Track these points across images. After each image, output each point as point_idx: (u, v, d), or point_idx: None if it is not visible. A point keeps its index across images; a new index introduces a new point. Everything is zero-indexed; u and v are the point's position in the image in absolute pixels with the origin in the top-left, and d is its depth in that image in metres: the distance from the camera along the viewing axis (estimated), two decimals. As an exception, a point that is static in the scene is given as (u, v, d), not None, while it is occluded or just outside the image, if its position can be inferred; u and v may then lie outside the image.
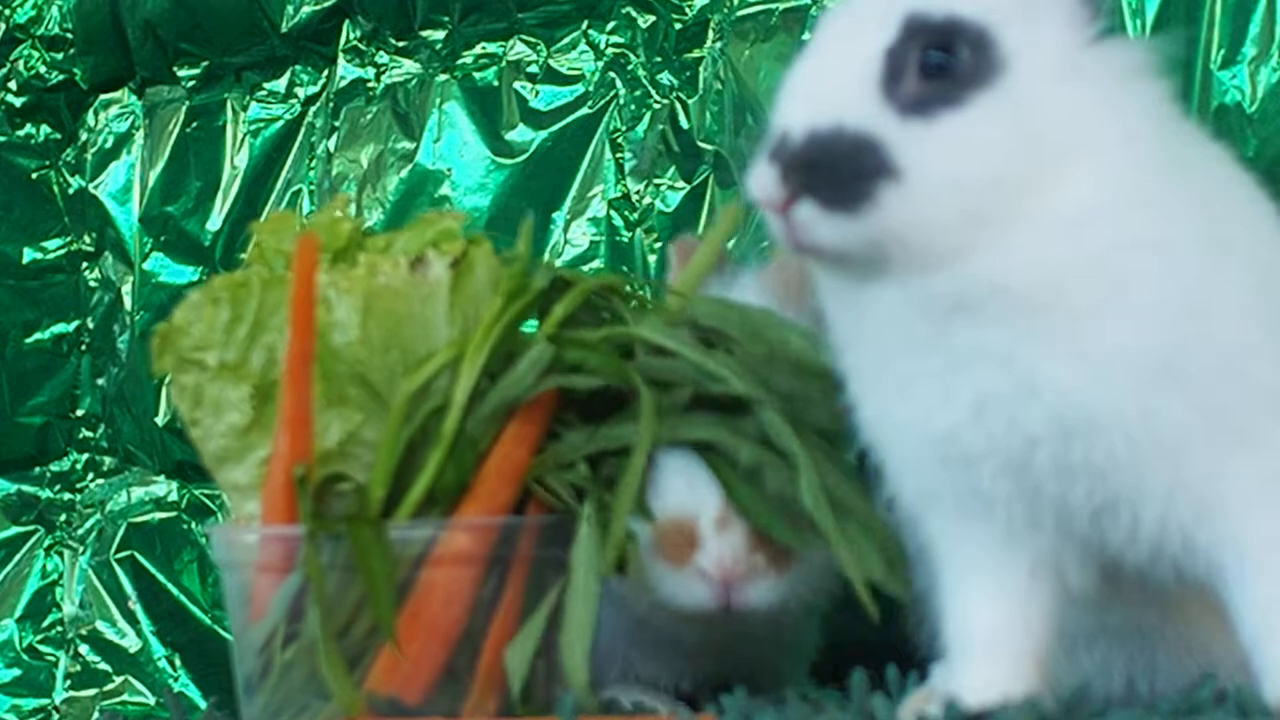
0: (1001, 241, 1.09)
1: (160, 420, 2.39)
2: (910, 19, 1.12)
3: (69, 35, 2.46)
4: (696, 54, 2.13)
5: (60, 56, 2.48)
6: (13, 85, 2.49)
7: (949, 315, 1.11)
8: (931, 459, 1.16)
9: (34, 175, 2.50)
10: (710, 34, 2.12)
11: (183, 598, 2.38)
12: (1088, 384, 1.10)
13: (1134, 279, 1.10)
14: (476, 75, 2.25)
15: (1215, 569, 1.14)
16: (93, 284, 2.50)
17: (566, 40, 2.22)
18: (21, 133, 2.50)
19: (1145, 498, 1.12)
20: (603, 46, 2.19)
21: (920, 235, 1.09)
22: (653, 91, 2.16)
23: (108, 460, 2.48)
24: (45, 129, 2.51)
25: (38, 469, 2.50)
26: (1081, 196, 1.10)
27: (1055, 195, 1.10)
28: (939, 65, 1.11)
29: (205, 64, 2.40)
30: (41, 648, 2.44)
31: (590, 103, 2.20)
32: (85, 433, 2.50)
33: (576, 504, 1.36)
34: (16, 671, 2.44)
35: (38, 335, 2.49)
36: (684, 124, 2.13)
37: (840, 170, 1.08)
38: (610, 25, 2.19)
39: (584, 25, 2.21)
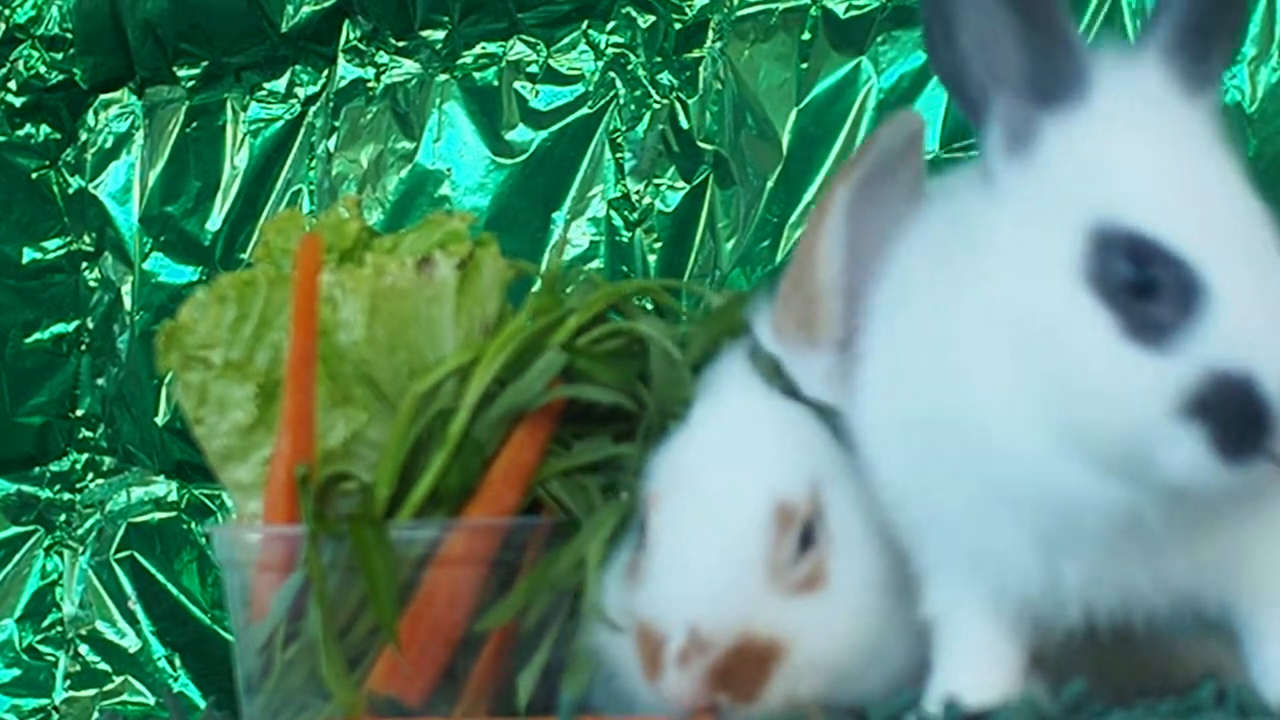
0: None
1: (160, 420, 2.39)
2: None
3: (69, 35, 2.46)
4: (696, 54, 2.13)
5: (60, 56, 2.48)
6: (13, 85, 2.49)
7: None
8: (999, 591, 1.14)
9: (34, 175, 2.50)
10: (710, 34, 2.12)
11: (182, 598, 2.38)
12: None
13: None
14: (476, 75, 2.26)
15: (1228, 600, 1.15)
16: (92, 284, 2.50)
17: (566, 40, 2.22)
18: (21, 133, 2.50)
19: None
20: (603, 46, 2.20)
21: None
22: (653, 91, 2.16)
23: (108, 460, 2.48)
24: (45, 129, 2.51)
25: (38, 469, 2.50)
26: None
27: None
28: None
29: (205, 64, 2.40)
30: (41, 648, 2.45)
31: (590, 103, 2.20)
32: (85, 433, 2.50)
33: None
34: (16, 671, 2.44)
35: (38, 335, 2.50)
36: (684, 124, 2.13)
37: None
38: (610, 25, 2.19)
39: (584, 25, 2.21)
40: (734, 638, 1.14)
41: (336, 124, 2.33)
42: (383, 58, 2.31)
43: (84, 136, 2.50)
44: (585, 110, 2.20)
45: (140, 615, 2.41)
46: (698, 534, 1.17)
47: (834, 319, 1.21)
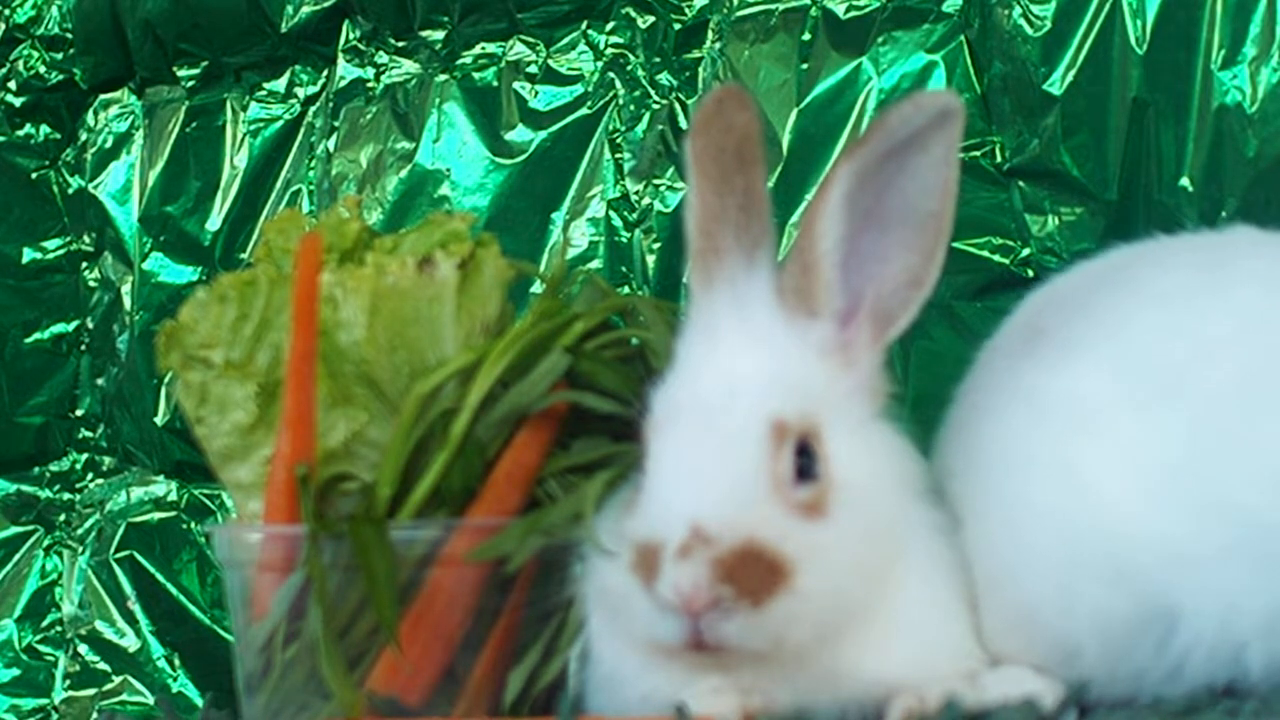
0: None
1: (160, 420, 2.39)
2: None
3: (69, 35, 2.46)
4: (696, 54, 2.13)
5: (60, 56, 2.48)
6: (13, 85, 2.49)
7: None
8: None
9: (34, 175, 2.51)
10: (710, 34, 2.12)
11: (182, 598, 2.38)
12: None
13: None
14: (476, 75, 2.26)
15: None
16: (92, 284, 2.50)
17: (566, 40, 2.22)
18: (21, 133, 2.50)
19: None
20: (602, 47, 2.20)
21: None
22: (652, 92, 2.16)
23: (107, 460, 2.48)
24: (45, 129, 2.51)
25: (37, 469, 2.50)
26: None
27: None
28: None
29: (205, 64, 2.40)
30: (41, 648, 2.45)
31: (590, 103, 2.20)
32: (85, 433, 2.50)
33: None
34: (16, 671, 2.44)
35: (38, 335, 2.50)
36: (683, 124, 2.13)
37: None
38: (610, 25, 2.19)
39: (584, 25, 2.21)
40: (739, 538, 1.13)
41: (336, 124, 2.33)
42: (382, 58, 2.31)
43: (84, 136, 2.50)
44: (585, 110, 2.20)
45: (140, 615, 2.41)
46: (696, 449, 1.17)
47: (830, 289, 1.22)
